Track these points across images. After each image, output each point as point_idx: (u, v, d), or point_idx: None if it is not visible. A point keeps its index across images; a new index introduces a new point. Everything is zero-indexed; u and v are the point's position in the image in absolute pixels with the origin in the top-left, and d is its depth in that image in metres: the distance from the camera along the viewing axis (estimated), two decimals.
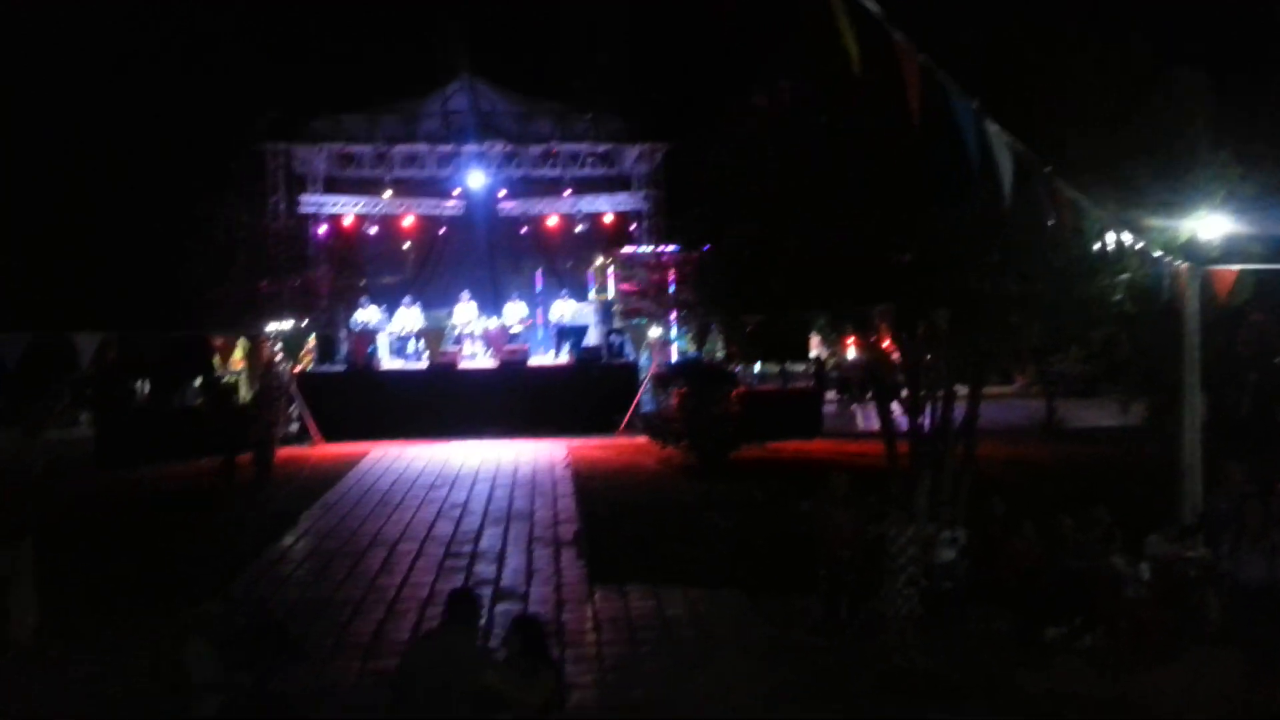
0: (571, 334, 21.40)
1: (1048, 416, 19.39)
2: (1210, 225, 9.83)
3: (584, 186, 24.14)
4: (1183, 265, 9.22)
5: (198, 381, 19.42)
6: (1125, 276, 9.79)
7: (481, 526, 12.86)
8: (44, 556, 9.54)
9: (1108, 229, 8.82)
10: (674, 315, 21.16)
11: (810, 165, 10.85)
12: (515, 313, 22.21)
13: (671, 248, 21.94)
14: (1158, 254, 9.21)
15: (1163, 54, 10.41)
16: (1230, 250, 9.93)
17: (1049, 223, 7.25)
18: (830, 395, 23.22)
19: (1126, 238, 8.94)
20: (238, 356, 20.71)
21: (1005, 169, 6.68)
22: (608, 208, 24.11)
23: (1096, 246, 8.90)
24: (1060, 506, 9.28)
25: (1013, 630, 8.42)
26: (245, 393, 20.19)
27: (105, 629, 9.21)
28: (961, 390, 11.60)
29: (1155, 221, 9.53)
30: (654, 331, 21.96)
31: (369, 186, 23.47)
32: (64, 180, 16.65)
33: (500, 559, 11.40)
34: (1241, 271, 9.41)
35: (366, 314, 21.64)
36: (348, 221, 23.35)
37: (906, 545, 8.19)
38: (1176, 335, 9.14)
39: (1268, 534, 7.17)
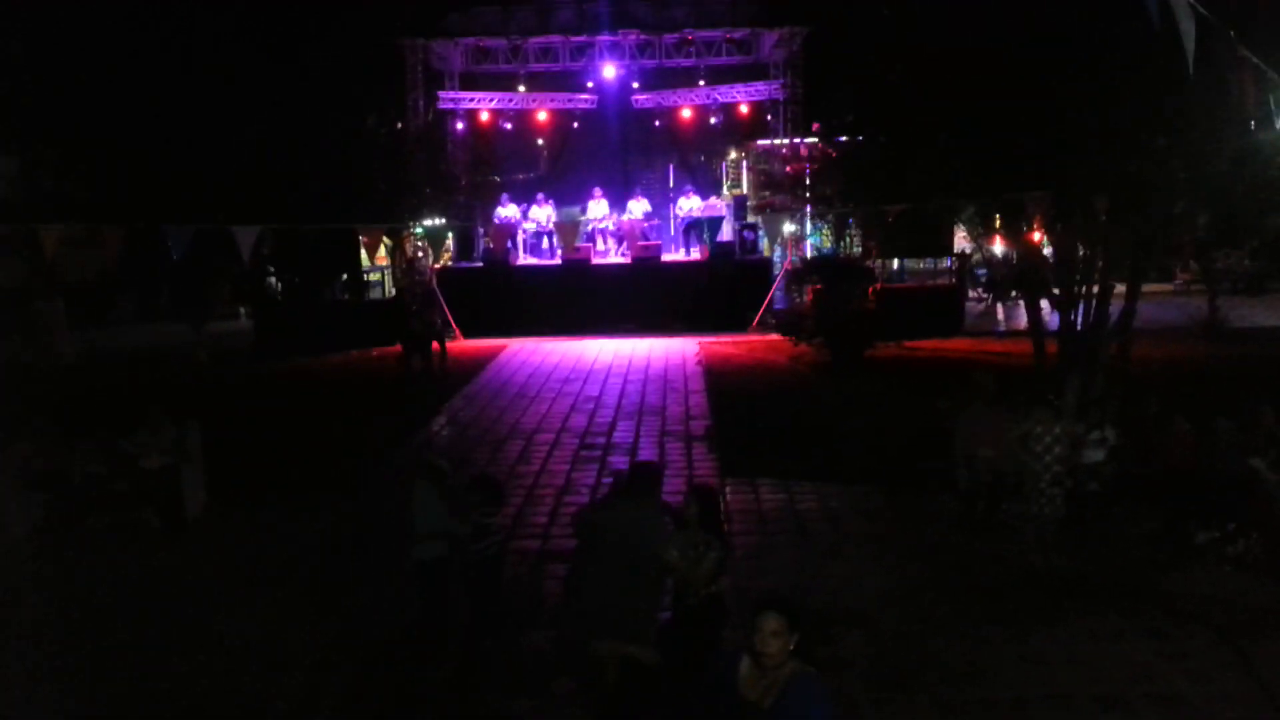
0: (704, 227, 21.17)
1: (1210, 315, 18.18)
2: None
3: (719, 76, 23.58)
4: None
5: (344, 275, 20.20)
6: None
7: (614, 420, 13.08)
8: (212, 439, 10.27)
9: None
10: (809, 209, 20.68)
11: (965, 41, 10.25)
12: (641, 208, 22.09)
13: (809, 140, 21.30)
14: None
15: None
16: None
17: (1231, 94, 6.63)
18: (973, 294, 22.42)
19: None
20: (382, 253, 21.46)
21: (1187, 33, 6.12)
22: (743, 97, 23.51)
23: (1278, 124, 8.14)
24: (1219, 409, 8.74)
25: (1161, 533, 8.07)
26: (389, 288, 20.95)
27: (266, 506, 9.89)
28: (1118, 287, 10.96)
29: None
30: (788, 226, 21.54)
31: (504, 82, 23.58)
32: (216, 79, 17.27)
33: (633, 451, 11.59)
34: None
35: (504, 210, 21.97)
36: (484, 118, 23.59)
37: (1052, 444, 7.89)
38: None
39: None
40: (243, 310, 23.01)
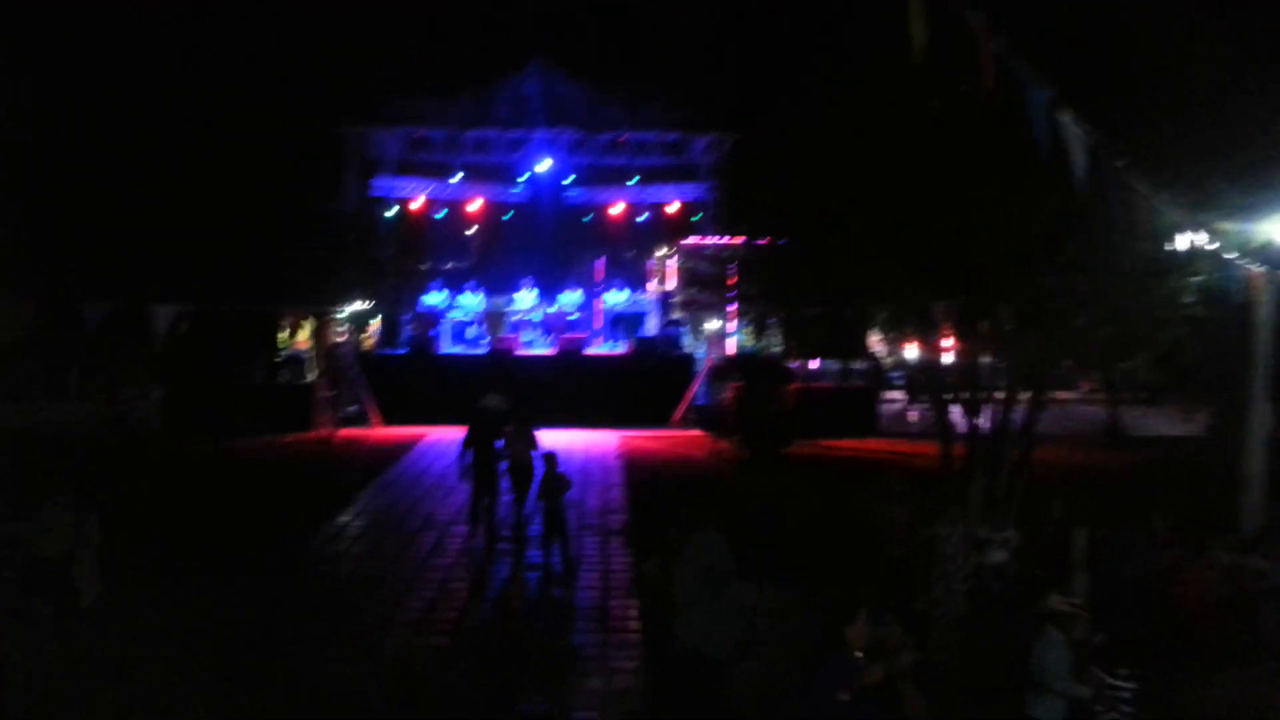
0: (628, 322, 21.46)
1: (1110, 423, 18.93)
2: None
3: (650, 175, 24.19)
4: (1257, 269, 8.92)
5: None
6: (1197, 279, 9.50)
7: (532, 513, 12.92)
8: (114, 522, 9.88)
9: (1180, 229, 8.58)
10: (733, 308, 21.09)
11: (883, 155, 10.72)
12: (572, 301, 22.33)
13: (736, 240, 21.84)
14: (1231, 256, 8.92)
15: (1248, 48, 10.04)
16: None
17: (1118, 218, 7.06)
18: (890, 395, 22.96)
19: (1199, 239, 8.68)
20: (304, 336, 21.23)
21: (1078, 160, 6.54)
22: (673, 197, 24.13)
23: (1168, 247, 8.66)
24: (1119, 514, 9.06)
25: None
26: (311, 372, 20.65)
27: (168, 592, 9.51)
28: (1024, 394, 11.37)
29: (1230, 224, 9.23)
30: (712, 324, 21.92)
31: (439, 170, 23.83)
32: (147, 151, 17.16)
33: (547, 546, 11.47)
34: None
35: (432, 298, 21.96)
36: (416, 204, 23.74)
37: (958, 545, 8.08)
38: (1246, 342, 8.84)
39: None
40: (153, 390, 22.37)
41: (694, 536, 6.69)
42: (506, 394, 12.27)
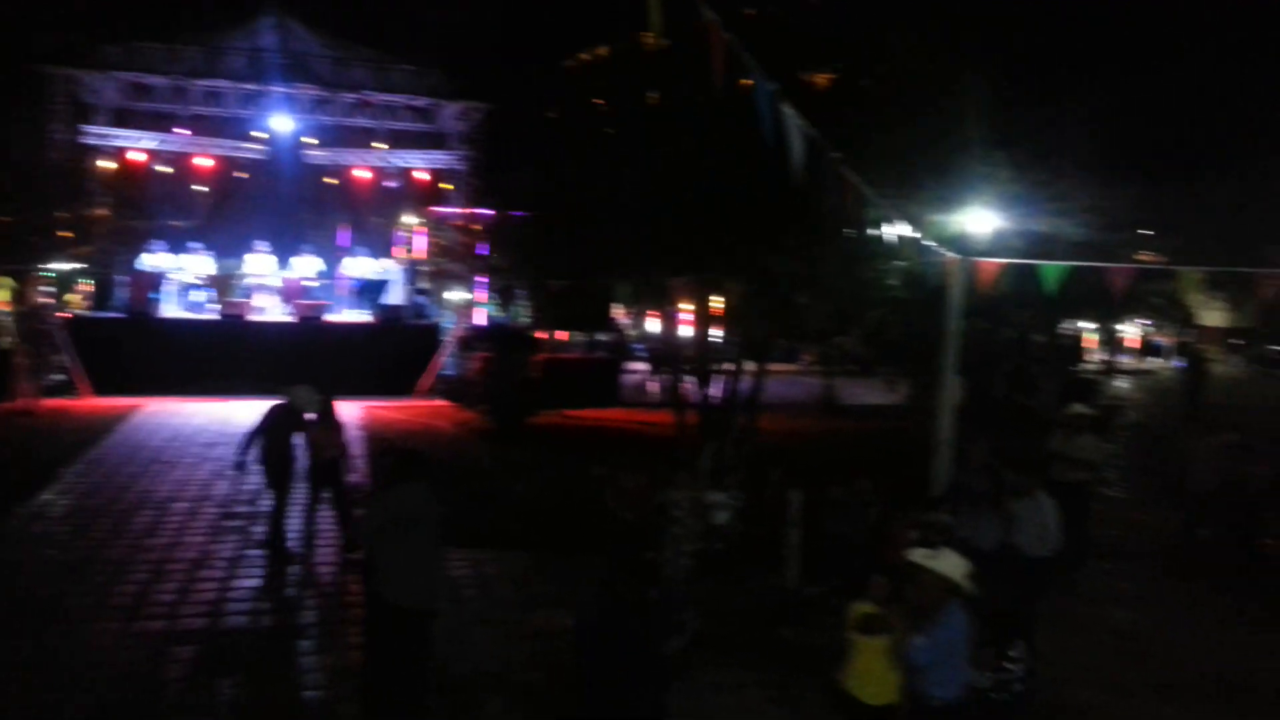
0: (372, 289, 20.81)
1: (826, 393, 20.61)
2: (979, 220, 10.64)
3: (398, 141, 23.54)
4: (952, 256, 9.91)
5: None
6: (900, 264, 10.46)
7: (263, 488, 12.37)
8: None
9: (888, 218, 9.39)
10: (482, 279, 21.01)
11: (629, 135, 11.03)
12: (310, 266, 21.32)
13: (485, 210, 21.72)
14: (930, 244, 9.87)
15: (954, 54, 11.10)
16: (996, 244, 10.78)
17: (831, 205, 7.64)
18: (633, 366, 23.72)
19: (904, 228, 9.54)
20: (3, 297, 19.08)
21: (796, 150, 7.00)
22: (421, 164, 23.60)
23: (876, 233, 9.45)
24: (831, 476, 9.84)
25: (779, 589, 8.92)
26: (7, 337, 18.63)
27: None
28: (750, 365, 12.12)
29: (930, 215, 10.21)
30: (460, 294, 21.74)
31: (163, 122, 22.02)
32: None
33: (276, 519, 11.01)
34: (1005, 264, 10.18)
35: (153, 259, 20.28)
36: (138, 157, 21.82)
37: (688, 508, 8.51)
38: (940, 321, 9.82)
39: (1001, 504, 7.89)
40: None
41: (395, 486, 6.59)
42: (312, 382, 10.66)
